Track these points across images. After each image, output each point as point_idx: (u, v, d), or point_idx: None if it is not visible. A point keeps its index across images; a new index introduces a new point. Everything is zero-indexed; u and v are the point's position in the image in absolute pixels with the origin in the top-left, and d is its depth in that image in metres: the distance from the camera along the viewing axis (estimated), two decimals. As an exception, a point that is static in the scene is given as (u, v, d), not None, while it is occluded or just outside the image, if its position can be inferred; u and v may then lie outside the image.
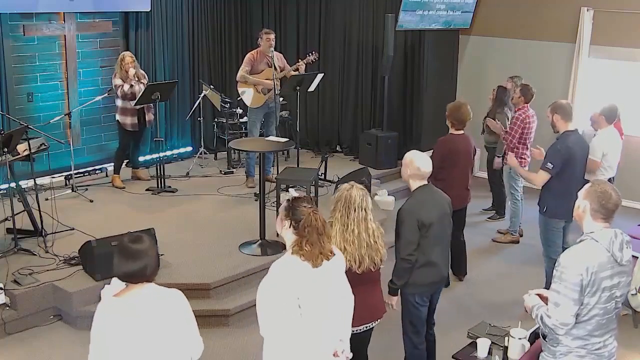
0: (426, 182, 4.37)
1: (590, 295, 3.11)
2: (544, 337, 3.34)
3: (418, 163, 4.29)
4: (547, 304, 3.25)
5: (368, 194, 3.86)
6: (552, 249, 5.58)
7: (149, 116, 7.82)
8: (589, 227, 3.20)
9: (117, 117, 7.73)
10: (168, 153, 8.91)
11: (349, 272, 3.62)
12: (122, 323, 2.78)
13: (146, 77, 7.82)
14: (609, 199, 3.13)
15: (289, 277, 3.16)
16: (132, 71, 7.53)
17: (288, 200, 3.32)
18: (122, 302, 2.82)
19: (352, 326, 3.66)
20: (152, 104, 7.67)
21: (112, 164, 8.01)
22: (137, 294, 2.85)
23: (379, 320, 4.06)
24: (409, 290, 4.33)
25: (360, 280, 3.74)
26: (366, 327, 3.95)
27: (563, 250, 5.47)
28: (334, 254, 3.32)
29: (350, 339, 3.63)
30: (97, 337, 2.80)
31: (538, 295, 3.39)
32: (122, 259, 2.82)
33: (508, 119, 7.42)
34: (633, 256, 3.31)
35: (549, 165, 5.35)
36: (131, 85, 7.52)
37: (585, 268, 3.07)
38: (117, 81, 7.56)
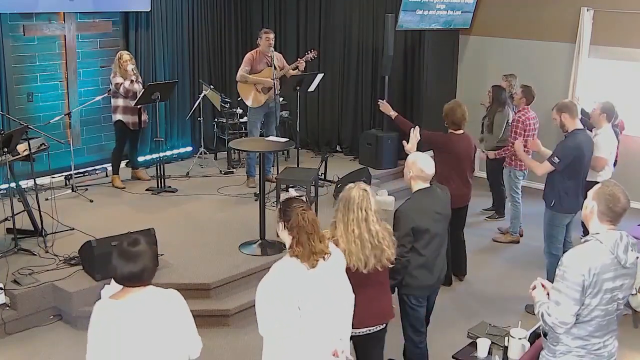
0: (428, 185, 4.36)
1: (592, 296, 3.09)
2: (545, 335, 3.33)
3: (421, 165, 4.30)
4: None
5: (371, 194, 3.76)
6: (554, 245, 5.63)
7: (144, 116, 7.86)
8: (595, 228, 3.17)
9: (120, 116, 7.70)
10: (168, 153, 8.91)
11: (356, 273, 3.61)
12: (120, 324, 2.77)
13: (140, 78, 7.81)
14: (617, 202, 3.10)
15: (288, 279, 3.16)
16: (130, 67, 7.53)
17: (281, 202, 3.32)
18: (120, 304, 2.81)
19: (359, 328, 3.64)
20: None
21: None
22: (135, 295, 2.83)
23: (385, 324, 4.00)
24: (404, 291, 4.35)
25: (368, 281, 3.72)
26: (370, 329, 3.90)
27: (564, 247, 5.55)
28: (330, 253, 3.30)
29: (358, 341, 3.61)
30: (95, 339, 2.79)
31: (542, 285, 3.36)
32: (121, 261, 2.79)
33: (509, 119, 7.42)
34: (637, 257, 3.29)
35: (556, 160, 5.38)
36: (132, 81, 7.53)
37: (588, 269, 3.05)
38: (118, 79, 7.56)
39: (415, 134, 5.17)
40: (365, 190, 3.75)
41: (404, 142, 5.20)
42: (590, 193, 3.23)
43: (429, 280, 4.37)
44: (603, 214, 3.13)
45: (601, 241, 3.11)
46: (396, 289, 4.35)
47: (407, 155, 4.62)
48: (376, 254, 3.73)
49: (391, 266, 3.88)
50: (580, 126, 5.56)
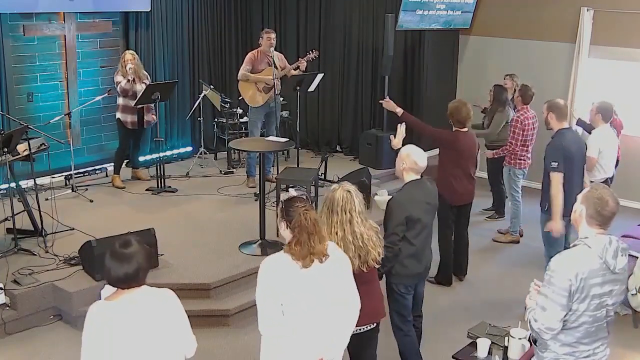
0: (419, 177, 4.49)
1: (579, 302, 3.04)
2: (535, 342, 3.29)
3: (415, 157, 4.45)
4: None
5: (356, 195, 3.74)
6: (553, 248, 5.58)
7: (149, 117, 7.83)
8: (584, 233, 3.13)
9: (118, 115, 7.74)
10: (168, 153, 8.90)
11: None
12: (112, 326, 2.76)
13: (149, 77, 7.83)
14: (605, 206, 3.05)
15: (274, 273, 3.18)
16: (129, 66, 7.54)
17: (282, 201, 3.32)
18: (113, 305, 2.80)
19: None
20: (152, 105, 7.68)
21: (112, 164, 8.02)
22: (128, 296, 2.82)
23: (375, 324, 3.99)
24: (393, 280, 4.46)
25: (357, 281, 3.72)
26: (361, 329, 3.87)
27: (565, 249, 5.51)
28: (328, 256, 3.26)
29: (349, 341, 3.60)
30: (88, 341, 2.78)
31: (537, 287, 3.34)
32: (115, 264, 2.78)
33: (509, 119, 7.42)
34: (633, 256, 3.28)
35: (554, 164, 5.33)
36: (128, 80, 7.53)
37: (575, 274, 3.00)
38: (118, 78, 7.60)
39: (401, 130, 5.21)
40: (349, 191, 3.73)
41: (392, 136, 5.22)
42: (579, 197, 3.19)
43: (418, 269, 4.51)
44: (592, 217, 3.08)
45: (589, 246, 3.06)
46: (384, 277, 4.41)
47: (399, 150, 4.69)
48: (361, 255, 3.75)
49: (377, 266, 3.91)
50: (566, 126, 5.54)
